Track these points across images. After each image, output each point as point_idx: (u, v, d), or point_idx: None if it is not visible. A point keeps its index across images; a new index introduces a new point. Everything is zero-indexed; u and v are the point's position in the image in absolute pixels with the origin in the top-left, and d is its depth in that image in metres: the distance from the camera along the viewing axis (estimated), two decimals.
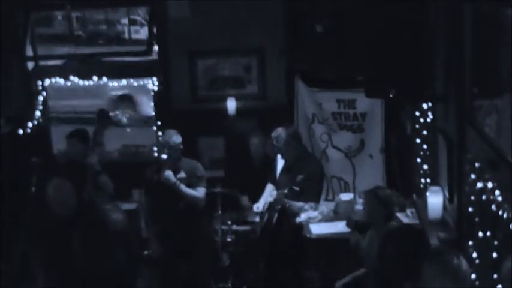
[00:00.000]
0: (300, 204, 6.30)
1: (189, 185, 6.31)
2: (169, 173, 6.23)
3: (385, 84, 4.86)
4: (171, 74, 7.99)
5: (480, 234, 3.87)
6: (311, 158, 6.71)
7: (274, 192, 6.50)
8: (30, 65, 8.10)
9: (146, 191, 6.58)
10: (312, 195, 6.37)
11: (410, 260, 3.96)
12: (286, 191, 6.22)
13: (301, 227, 6.16)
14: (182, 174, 6.33)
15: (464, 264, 3.64)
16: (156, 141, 7.79)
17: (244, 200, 6.95)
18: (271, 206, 6.41)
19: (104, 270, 5.23)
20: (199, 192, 6.34)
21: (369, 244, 5.37)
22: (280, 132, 6.40)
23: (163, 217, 6.33)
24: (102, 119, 6.21)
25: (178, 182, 6.24)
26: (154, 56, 8.05)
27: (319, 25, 7.00)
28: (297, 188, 6.19)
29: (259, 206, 6.70)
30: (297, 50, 7.49)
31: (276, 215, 6.35)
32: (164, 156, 6.30)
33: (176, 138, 6.31)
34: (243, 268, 6.58)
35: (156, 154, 7.88)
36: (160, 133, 7.80)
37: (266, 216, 6.45)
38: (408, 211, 6.02)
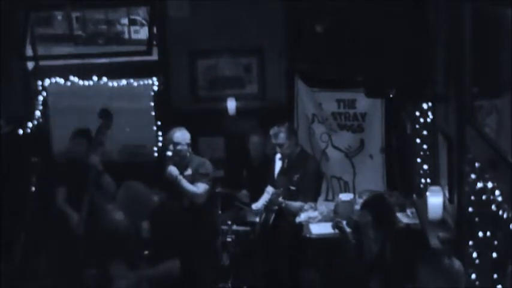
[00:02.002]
0: (297, 204, 6.30)
1: (193, 182, 6.29)
2: (172, 169, 6.21)
3: (385, 84, 4.87)
4: (171, 74, 7.98)
5: (480, 234, 3.87)
6: (308, 157, 6.71)
7: None
8: (30, 65, 8.10)
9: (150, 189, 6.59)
10: (309, 194, 6.38)
11: (410, 261, 3.97)
12: (280, 190, 6.22)
13: (301, 227, 6.16)
14: (189, 172, 6.32)
15: (456, 264, 3.67)
16: (163, 138, 7.76)
17: (243, 195, 6.92)
18: (267, 206, 6.41)
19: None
20: (199, 188, 6.29)
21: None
22: (278, 129, 6.43)
23: (167, 214, 6.32)
24: (105, 118, 6.20)
25: (180, 176, 6.22)
26: (154, 56, 8.04)
27: (319, 25, 7.00)
28: (293, 188, 6.18)
29: (258, 204, 6.70)
30: (297, 50, 7.49)
31: (273, 215, 6.35)
32: (169, 153, 6.30)
33: (180, 135, 6.30)
34: (243, 268, 6.57)
35: (156, 154, 7.89)
36: (160, 133, 7.81)
37: (263, 217, 6.45)
38: (408, 211, 6.02)
